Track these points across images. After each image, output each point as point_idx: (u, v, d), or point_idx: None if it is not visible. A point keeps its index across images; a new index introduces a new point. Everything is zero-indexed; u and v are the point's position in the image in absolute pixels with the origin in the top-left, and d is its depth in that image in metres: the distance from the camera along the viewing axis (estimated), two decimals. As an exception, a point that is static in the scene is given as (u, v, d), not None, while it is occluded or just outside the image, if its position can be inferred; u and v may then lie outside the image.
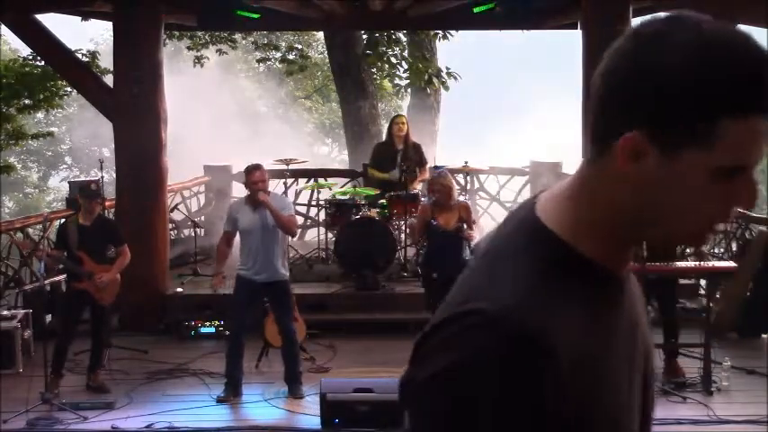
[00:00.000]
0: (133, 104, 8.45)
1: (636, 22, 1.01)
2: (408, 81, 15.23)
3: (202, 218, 11.60)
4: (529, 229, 1.06)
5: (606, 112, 1.01)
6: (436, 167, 9.16)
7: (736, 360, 6.90)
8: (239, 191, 9.88)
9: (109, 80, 9.29)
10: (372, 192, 9.59)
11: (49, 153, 28.04)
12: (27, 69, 11.75)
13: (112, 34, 8.93)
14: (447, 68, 14.84)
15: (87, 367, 6.90)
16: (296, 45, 18.51)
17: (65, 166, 29.02)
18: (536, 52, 26.93)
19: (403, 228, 9.38)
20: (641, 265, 6.10)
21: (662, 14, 1.00)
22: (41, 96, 11.60)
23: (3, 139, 11.60)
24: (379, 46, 14.64)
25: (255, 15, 9.27)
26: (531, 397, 0.92)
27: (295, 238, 10.39)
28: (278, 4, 9.41)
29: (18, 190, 26.88)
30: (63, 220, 7.57)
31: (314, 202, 11.17)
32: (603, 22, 8.27)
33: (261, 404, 6.53)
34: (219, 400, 6.51)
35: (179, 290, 8.73)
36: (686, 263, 6.92)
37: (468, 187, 11.43)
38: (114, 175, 9.19)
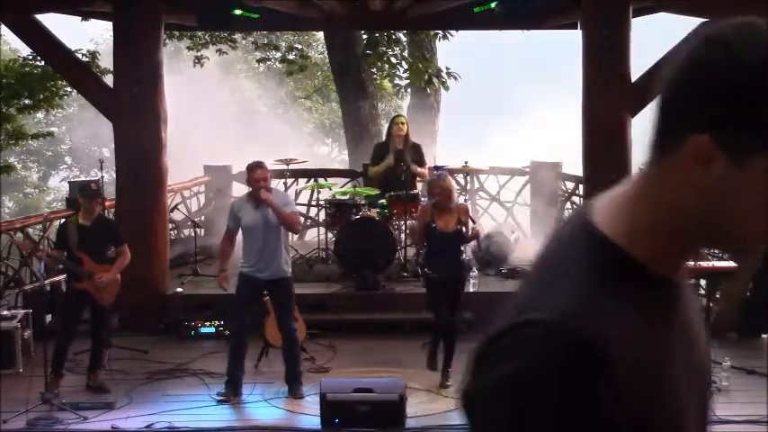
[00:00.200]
0: (133, 104, 8.45)
1: (702, 26, 1.01)
2: (408, 81, 15.23)
3: (202, 218, 11.59)
4: (583, 233, 1.07)
5: (672, 116, 1.01)
6: (436, 167, 9.13)
7: (736, 360, 6.91)
8: (239, 191, 9.88)
9: (109, 80, 9.29)
10: (372, 192, 9.59)
11: (49, 153, 28.01)
12: (27, 69, 11.73)
13: (112, 34, 8.93)
14: (447, 68, 14.84)
15: (87, 367, 6.90)
16: (296, 45, 18.49)
17: (65, 166, 28.99)
18: (536, 52, 26.88)
19: (403, 228, 9.38)
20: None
21: (731, 20, 1.00)
22: (41, 96, 11.59)
23: (3, 139, 11.59)
24: (379, 46, 14.64)
25: (255, 15, 9.27)
26: (587, 403, 0.94)
27: (296, 238, 10.39)
28: (278, 4, 9.40)
29: (18, 190, 26.86)
30: (63, 221, 7.58)
31: (314, 202, 11.16)
32: (603, 22, 8.27)
33: (261, 404, 6.53)
34: (219, 399, 6.51)
35: (179, 290, 8.72)
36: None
37: (468, 187, 11.41)
38: (114, 175, 9.20)
